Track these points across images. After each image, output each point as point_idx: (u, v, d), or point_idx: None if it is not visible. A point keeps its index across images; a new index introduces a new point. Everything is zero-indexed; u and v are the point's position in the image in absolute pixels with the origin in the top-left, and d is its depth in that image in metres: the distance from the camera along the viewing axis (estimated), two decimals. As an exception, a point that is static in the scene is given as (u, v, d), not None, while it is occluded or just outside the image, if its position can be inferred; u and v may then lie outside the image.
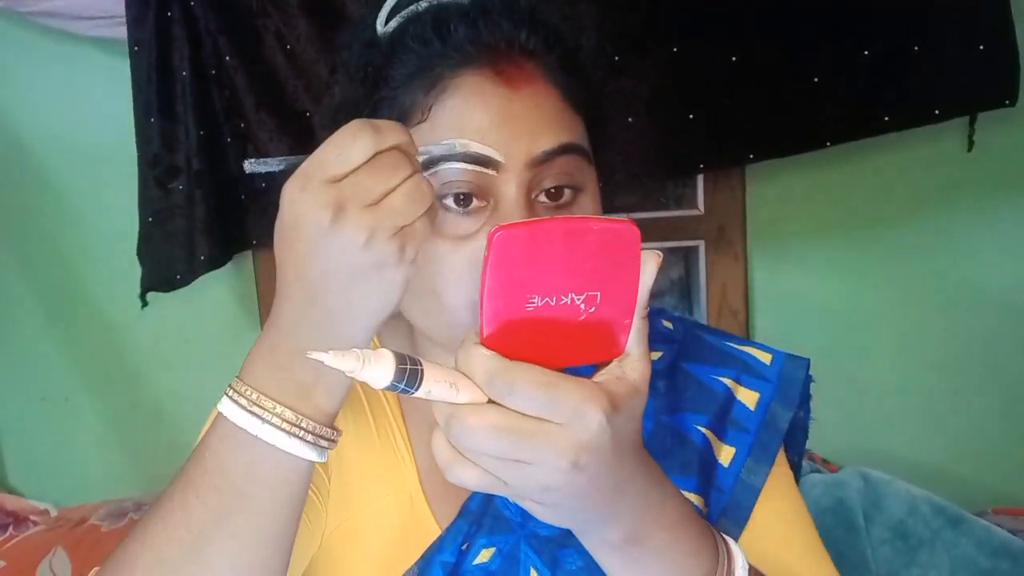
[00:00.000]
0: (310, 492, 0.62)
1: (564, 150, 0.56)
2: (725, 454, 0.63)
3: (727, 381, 0.66)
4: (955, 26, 1.33)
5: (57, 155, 1.68)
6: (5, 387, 1.80)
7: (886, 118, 1.36)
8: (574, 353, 0.42)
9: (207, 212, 1.45)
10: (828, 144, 1.39)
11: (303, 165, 0.45)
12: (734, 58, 1.36)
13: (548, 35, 0.58)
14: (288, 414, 0.47)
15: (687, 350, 0.67)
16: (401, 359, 0.39)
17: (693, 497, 0.61)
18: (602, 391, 0.40)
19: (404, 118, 0.57)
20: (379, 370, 0.39)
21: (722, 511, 0.61)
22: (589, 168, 0.58)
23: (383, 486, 0.64)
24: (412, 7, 0.58)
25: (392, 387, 0.39)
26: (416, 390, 0.39)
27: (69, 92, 1.65)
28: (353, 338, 0.47)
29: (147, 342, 1.70)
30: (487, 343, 0.40)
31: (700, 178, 1.59)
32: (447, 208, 0.55)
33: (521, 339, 0.40)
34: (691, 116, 1.38)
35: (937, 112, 1.35)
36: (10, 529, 1.60)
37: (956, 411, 1.60)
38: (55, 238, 1.72)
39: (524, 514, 0.62)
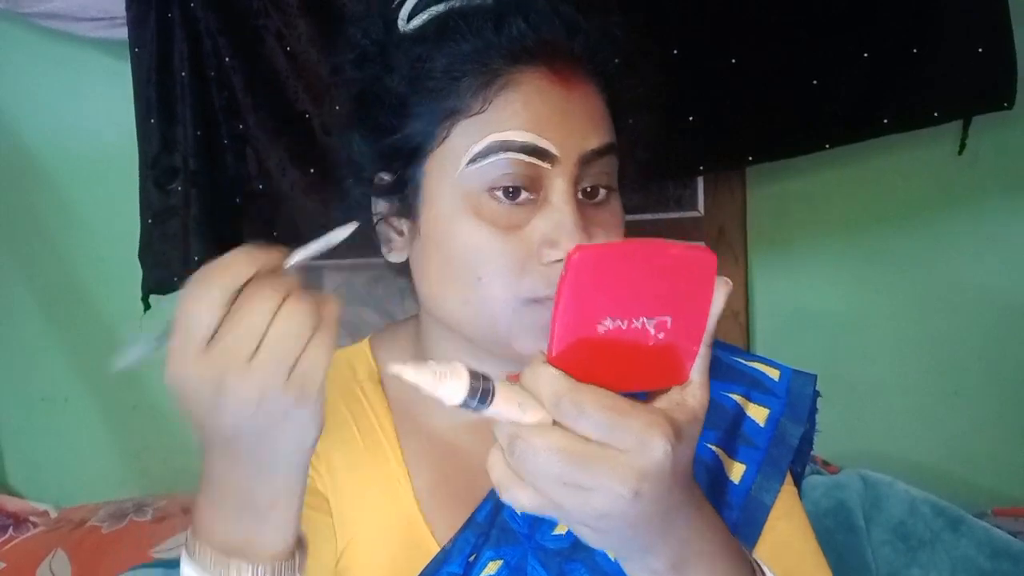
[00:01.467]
0: (318, 515, 0.62)
1: (608, 150, 0.58)
2: (736, 471, 0.63)
3: (736, 397, 0.65)
4: (954, 29, 1.33)
5: (58, 156, 1.69)
6: (5, 387, 1.80)
7: (885, 120, 1.36)
8: (640, 378, 0.41)
9: (202, 213, 1.46)
10: (827, 146, 1.39)
11: (173, 339, 0.44)
12: (734, 60, 1.36)
13: (591, 39, 0.60)
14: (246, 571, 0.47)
15: None
16: (475, 376, 0.39)
17: None
18: (668, 420, 0.39)
19: (458, 109, 0.57)
20: (453, 387, 0.38)
21: (732, 528, 0.61)
22: (616, 170, 0.61)
23: (378, 508, 0.63)
24: (440, 4, 0.59)
25: (464, 404, 0.39)
26: (487, 407, 0.39)
27: (70, 93, 1.65)
28: (288, 475, 0.47)
29: (147, 343, 1.70)
30: (555, 362, 0.39)
31: (700, 180, 1.59)
32: (496, 199, 0.56)
33: (589, 361, 0.39)
34: (691, 118, 1.38)
35: (936, 114, 1.35)
36: (10, 530, 1.60)
37: (956, 413, 1.60)
38: (55, 238, 1.72)
39: (531, 526, 0.62)
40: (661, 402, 0.41)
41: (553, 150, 0.56)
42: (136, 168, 1.47)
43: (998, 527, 1.31)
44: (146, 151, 1.45)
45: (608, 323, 0.39)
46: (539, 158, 0.56)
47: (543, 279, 0.55)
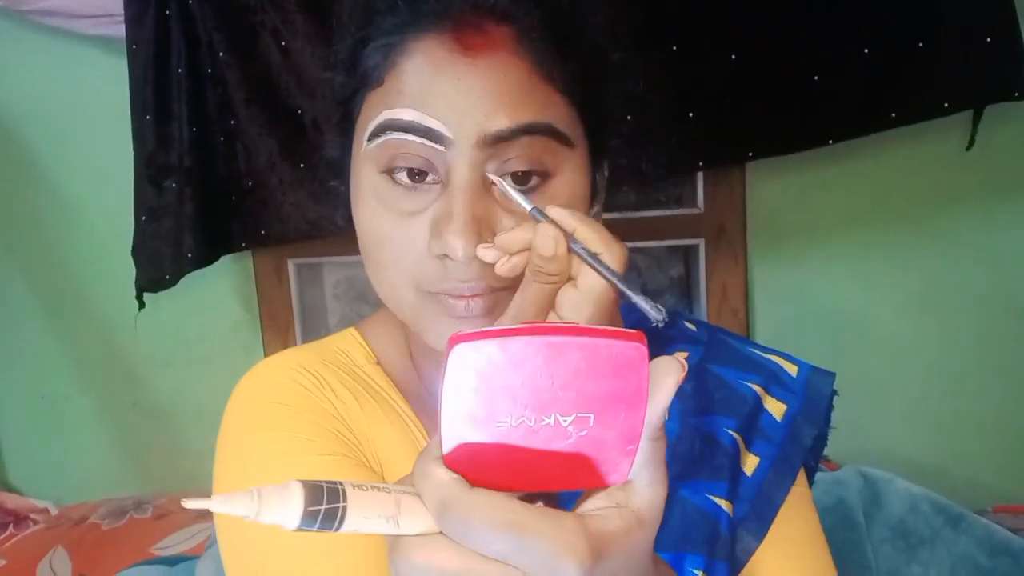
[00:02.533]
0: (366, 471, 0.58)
1: (526, 131, 0.50)
2: (749, 463, 0.61)
3: (755, 387, 0.63)
4: (961, 20, 1.32)
5: (56, 154, 1.68)
6: (5, 387, 1.80)
7: (893, 114, 1.35)
8: (560, 479, 0.35)
9: (195, 210, 1.45)
10: (830, 142, 1.38)
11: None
12: (734, 56, 1.36)
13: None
14: None
15: (713, 352, 0.65)
16: (315, 493, 0.32)
17: (723, 503, 0.59)
18: (585, 536, 0.33)
19: (364, 81, 0.54)
20: (284, 511, 0.32)
21: (741, 522, 0.59)
22: (567, 151, 0.53)
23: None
24: None
25: (304, 528, 0.32)
26: (339, 528, 0.33)
27: (68, 90, 1.65)
28: None
29: (147, 340, 1.70)
30: (448, 462, 0.34)
31: (700, 176, 1.58)
32: (395, 181, 0.52)
33: (490, 460, 0.34)
34: (691, 114, 1.38)
35: (946, 105, 1.34)
36: (10, 528, 1.60)
37: (956, 410, 1.59)
38: (55, 237, 1.72)
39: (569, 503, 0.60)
40: (593, 502, 0.36)
41: (443, 130, 0.49)
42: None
43: (999, 524, 1.31)
44: (141, 149, 1.45)
45: (509, 420, 0.33)
46: (428, 139, 0.50)
47: (437, 271, 0.51)
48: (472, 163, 0.50)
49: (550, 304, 0.49)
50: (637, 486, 0.36)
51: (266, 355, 1.67)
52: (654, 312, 0.47)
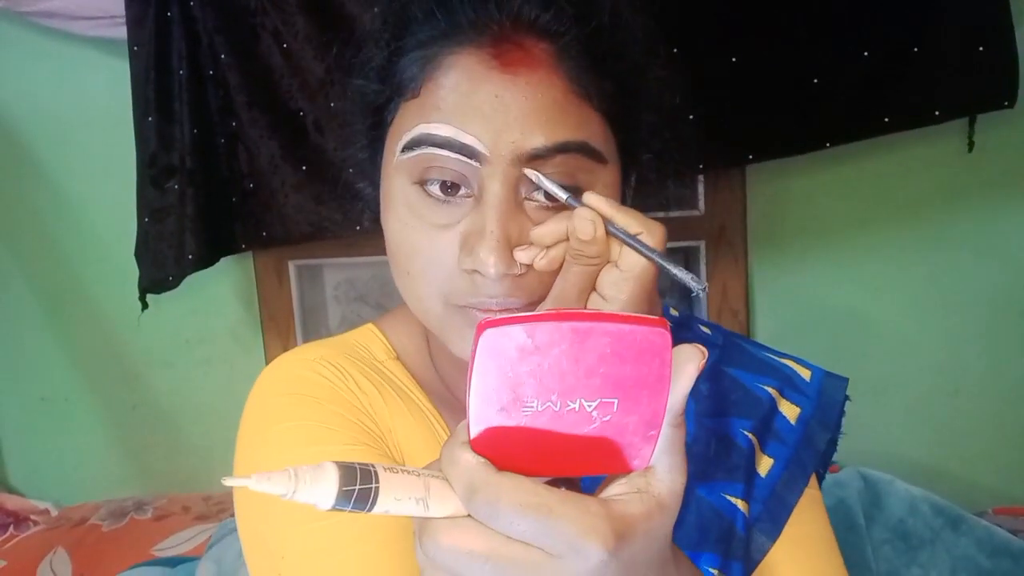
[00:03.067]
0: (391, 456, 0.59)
1: (561, 149, 0.50)
2: (764, 464, 0.61)
3: (771, 390, 0.64)
4: (955, 28, 1.33)
5: (57, 154, 1.69)
6: (5, 387, 1.80)
7: (887, 119, 1.36)
8: (584, 464, 0.36)
9: (197, 211, 1.45)
10: (828, 145, 1.38)
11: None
12: (734, 59, 1.36)
13: (565, 13, 0.52)
14: None
15: (729, 356, 0.65)
16: (349, 474, 0.33)
17: (739, 502, 0.59)
18: (608, 519, 0.34)
19: (399, 91, 0.54)
20: (320, 491, 0.33)
21: (754, 522, 0.59)
22: (601, 168, 0.53)
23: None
24: None
25: (338, 508, 0.33)
26: (371, 509, 0.33)
27: (69, 92, 1.65)
28: None
29: (147, 342, 1.70)
30: (475, 446, 0.34)
31: (700, 179, 1.58)
32: (427, 193, 0.52)
33: (516, 445, 0.34)
34: (691, 116, 1.38)
35: (938, 113, 1.35)
36: (10, 529, 1.60)
37: (956, 411, 1.59)
38: (55, 238, 1.72)
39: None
40: (618, 487, 0.36)
41: (479, 147, 0.49)
42: (135, 167, 1.47)
43: (998, 526, 1.31)
44: (143, 149, 1.45)
45: (536, 405, 0.34)
46: (464, 155, 0.50)
47: (467, 286, 0.51)
48: (507, 180, 0.50)
49: (591, 286, 0.51)
50: (658, 472, 0.36)
51: (267, 357, 1.70)
52: (695, 283, 0.49)
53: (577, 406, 0.34)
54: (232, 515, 1.49)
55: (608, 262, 0.50)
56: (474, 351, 0.33)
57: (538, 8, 0.51)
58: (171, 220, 1.46)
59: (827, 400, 0.64)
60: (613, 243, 0.50)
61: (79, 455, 1.79)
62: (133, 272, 1.49)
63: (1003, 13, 1.31)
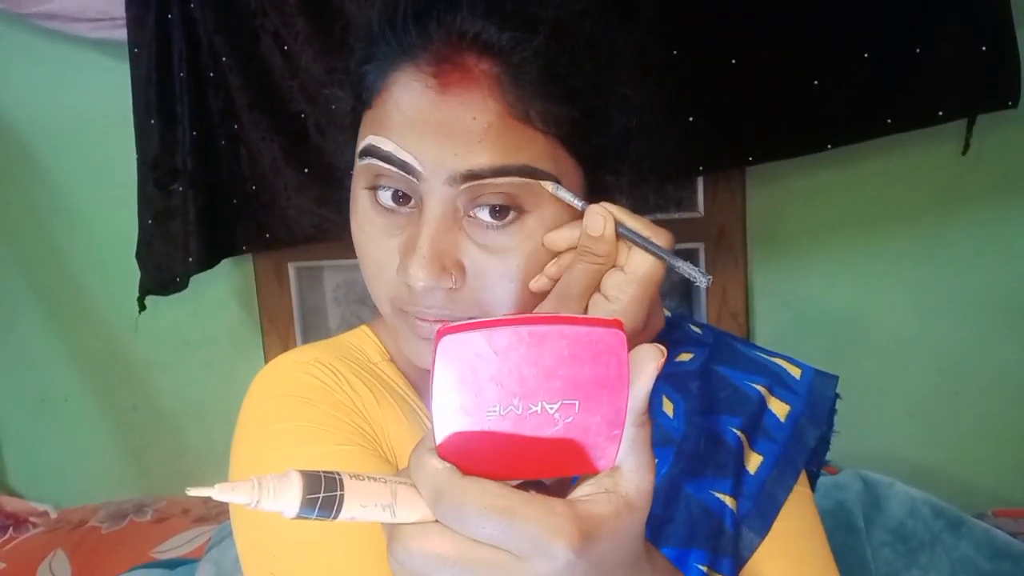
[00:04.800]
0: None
1: (498, 172, 0.50)
2: (752, 461, 0.61)
3: (760, 388, 0.64)
4: (956, 28, 1.33)
5: (58, 156, 1.69)
6: (5, 387, 1.80)
7: (888, 120, 1.36)
8: (549, 466, 0.36)
9: (199, 213, 1.46)
10: (829, 147, 1.38)
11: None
12: (734, 60, 1.36)
13: (510, 29, 0.51)
14: None
15: (719, 354, 0.66)
16: (313, 481, 0.34)
17: (727, 499, 0.60)
18: (574, 519, 0.34)
19: (360, 100, 0.57)
20: (284, 499, 0.33)
21: (743, 519, 0.60)
22: (543, 188, 0.52)
23: None
24: None
25: (303, 516, 0.34)
26: (336, 516, 0.34)
27: (69, 94, 1.65)
28: None
29: (147, 343, 1.70)
30: (441, 452, 0.35)
31: (700, 180, 1.58)
32: (380, 201, 0.54)
33: (481, 449, 0.35)
34: (691, 119, 1.38)
35: (940, 114, 1.35)
36: (10, 531, 1.60)
37: (956, 413, 1.59)
38: (55, 239, 1.72)
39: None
40: (585, 488, 0.36)
41: (415, 164, 0.51)
42: (135, 169, 1.47)
43: (998, 528, 1.31)
44: (145, 152, 1.45)
45: (498, 409, 0.34)
46: (402, 170, 0.51)
47: (406, 294, 0.54)
48: (442, 198, 0.51)
49: (593, 287, 0.53)
50: (625, 471, 0.36)
51: (266, 358, 1.69)
52: (701, 277, 0.53)
53: (539, 409, 0.35)
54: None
55: (614, 266, 0.53)
56: (434, 357, 0.34)
57: (479, 25, 0.51)
58: (176, 222, 1.46)
59: (817, 398, 0.65)
60: (620, 247, 0.53)
61: (79, 456, 1.79)
62: (133, 273, 1.49)
63: (1004, 13, 1.31)
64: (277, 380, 0.63)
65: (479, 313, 0.54)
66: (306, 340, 1.73)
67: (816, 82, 1.35)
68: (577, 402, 0.35)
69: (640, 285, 0.52)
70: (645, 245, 0.53)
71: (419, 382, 0.65)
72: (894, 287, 1.58)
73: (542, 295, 0.55)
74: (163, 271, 1.48)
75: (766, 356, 0.67)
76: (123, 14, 1.43)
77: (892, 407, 1.60)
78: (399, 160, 0.51)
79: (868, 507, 1.33)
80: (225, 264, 1.56)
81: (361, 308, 1.82)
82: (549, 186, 0.52)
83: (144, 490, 1.72)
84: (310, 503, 0.33)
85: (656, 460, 0.38)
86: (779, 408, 0.64)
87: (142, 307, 1.50)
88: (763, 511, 0.60)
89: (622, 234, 0.53)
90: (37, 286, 1.75)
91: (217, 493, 0.33)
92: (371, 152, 0.53)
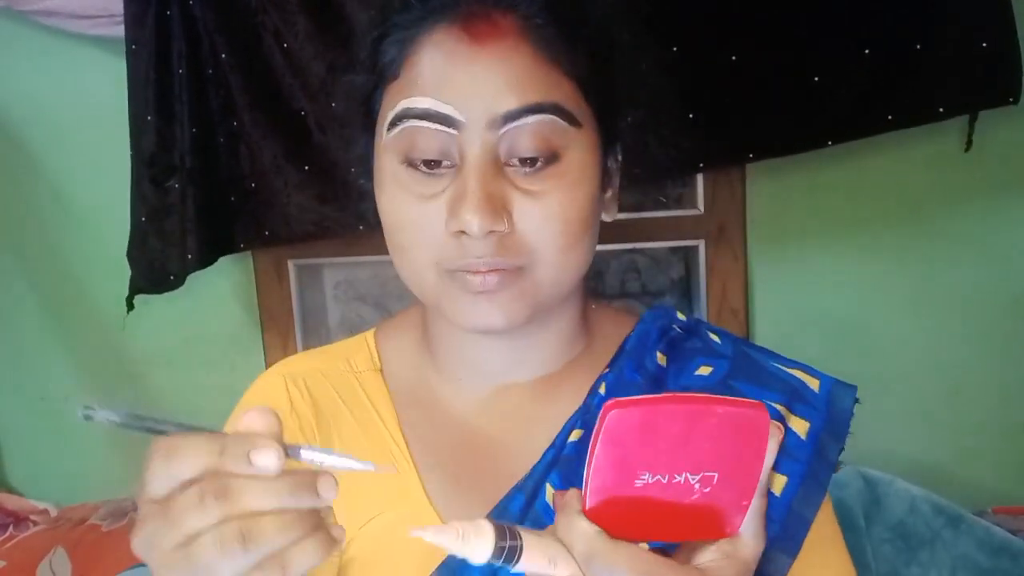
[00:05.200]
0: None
1: (533, 110, 0.53)
2: (777, 483, 0.60)
3: (779, 407, 0.63)
4: (957, 24, 1.32)
5: (56, 154, 1.68)
6: (5, 387, 1.80)
7: (889, 116, 1.35)
8: (683, 530, 0.40)
9: (197, 210, 1.45)
10: (830, 143, 1.38)
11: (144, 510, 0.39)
12: (734, 57, 1.36)
13: None
14: None
15: (737, 368, 0.65)
16: (501, 534, 0.38)
17: None
18: None
19: (382, 76, 0.57)
20: (478, 546, 0.38)
21: (772, 541, 0.58)
22: (575, 132, 0.56)
23: (383, 502, 0.61)
24: None
25: (491, 562, 0.38)
26: (514, 565, 0.39)
27: (68, 91, 1.65)
28: None
29: (147, 342, 1.70)
30: (590, 515, 0.39)
31: (700, 177, 1.58)
32: (414, 167, 0.55)
33: (626, 513, 0.39)
34: (691, 115, 1.38)
35: (941, 110, 1.35)
36: (10, 529, 1.60)
37: (956, 411, 1.59)
38: (55, 238, 1.72)
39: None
40: (707, 555, 0.40)
41: (456, 115, 0.53)
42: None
43: (998, 525, 1.31)
44: (142, 149, 1.45)
45: (647, 477, 0.38)
46: (443, 124, 0.53)
47: (455, 249, 0.55)
48: (484, 144, 0.53)
49: None
50: (744, 538, 0.41)
51: (266, 356, 1.70)
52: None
53: (683, 479, 0.38)
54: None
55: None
56: (599, 429, 0.37)
57: None
58: (173, 220, 1.46)
59: (836, 411, 0.64)
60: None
61: (79, 455, 1.79)
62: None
63: (1005, 9, 1.31)
64: (252, 391, 0.67)
65: (527, 261, 0.55)
66: (306, 338, 1.73)
67: (817, 78, 1.35)
68: (716, 474, 0.39)
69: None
70: None
71: (403, 399, 0.65)
72: (895, 284, 1.58)
73: (589, 230, 0.57)
74: (156, 269, 1.47)
75: (783, 368, 0.66)
76: (122, 11, 1.43)
77: (892, 405, 1.60)
78: (439, 114, 0.53)
79: (868, 504, 1.33)
80: (224, 262, 1.56)
81: (361, 306, 1.82)
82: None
83: (144, 488, 1.72)
84: (499, 551, 0.38)
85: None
86: (799, 426, 0.62)
87: (130, 307, 1.50)
88: (792, 532, 0.59)
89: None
90: (37, 284, 1.75)
91: (430, 536, 0.37)
92: (406, 115, 0.54)
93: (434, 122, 0.53)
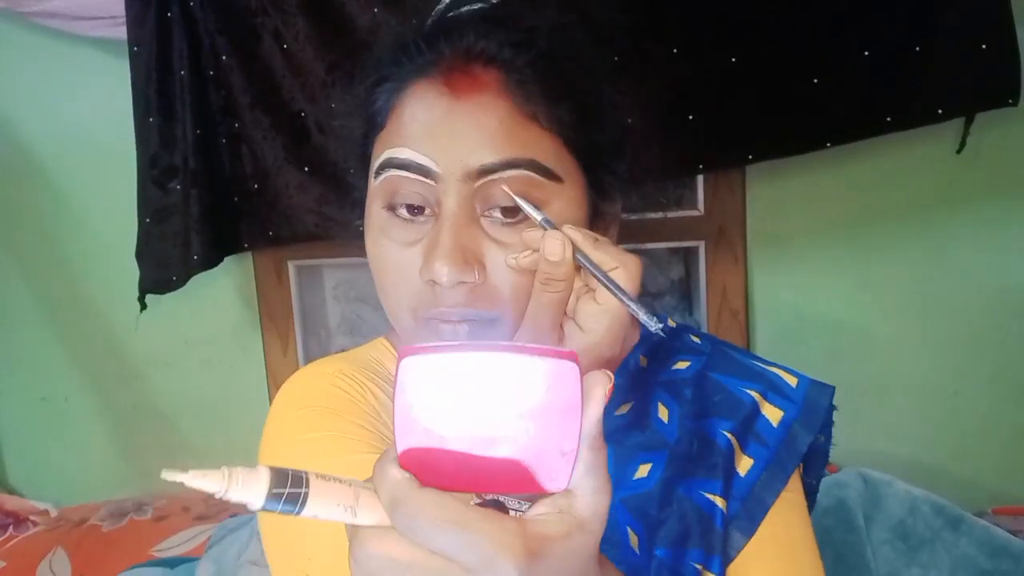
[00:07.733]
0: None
1: (508, 165, 0.54)
2: (743, 464, 0.63)
3: (754, 393, 0.65)
4: (956, 26, 1.32)
5: (57, 155, 1.69)
6: (5, 387, 1.80)
7: (888, 118, 1.36)
8: (502, 483, 0.37)
9: (201, 211, 1.46)
10: (828, 145, 1.38)
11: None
12: (734, 58, 1.36)
13: (507, 42, 0.57)
14: None
15: (715, 362, 0.67)
16: (280, 477, 0.36)
17: (717, 499, 0.61)
18: (522, 537, 0.36)
19: (372, 125, 0.60)
20: (251, 491, 0.35)
21: (732, 519, 0.61)
22: (555, 186, 0.56)
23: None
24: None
25: (268, 508, 0.36)
26: (300, 512, 0.36)
27: (69, 92, 1.65)
28: None
29: (147, 342, 1.70)
30: (402, 463, 0.37)
31: (700, 179, 1.58)
32: (397, 215, 0.57)
33: (438, 463, 0.37)
34: (691, 117, 1.38)
35: (940, 112, 1.35)
36: (10, 529, 1.60)
37: (956, 411, 1.59)
38: (55, 238, 1.72)
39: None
40: (539, 509, 0.38)
41: (433, 166, 0.54)
42: (136, 167, 1.47)
43: (998, 526, 1.31)
44: (145, 150, 1.45)
45: (455, 426, 0.36)
46: (421, 175, 0.55)
47: (429, 297, 0.56)
48: (459, 195, 0.55)
49: (561, 313, 0.55)
50: (579, 493, 0.38)
51: (266, 356, 1.70)
52: (653, 323, 0.52)
53: (489, 428, 0.36)
54: (232, 515, 1.49)
55: (587, 291, 0.54)
56: (396, 375, 0.36)
57: (483, 40, 0.57)
58: (175, 220, 1.46)
59: (812, 405, 0.65)
60: (590, 276, 0.54)
61: (79, 455, 1.79)
62: (134, 272, 1.49)
63: (1004, 11, 1.31)
64: (302, 392, 0.65)
65: (500, 310, 0.56)
66: (306, 338, 1.73)
67: (816, 80, 1.35)
68: (532, 425, 0.36)
69: (615, 317, 0.53)
70: (603, 280, 0.52)
71: None
72: (894, 285, 1.58)
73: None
74: (162, 269, 1.48)
75: (763, 365, 0.68)
76: (123, 13, 1.43)
77: (892, 405, 1.60)
78: (417, 165, 0.55)
79: (868, 505, 1.33)
80: (225, 262, 1.56)
81: (361, 306, 1.82)
82: (511, 194, 0.54)
83: (144, 489, 1.72)
84: (275, 497, 0.35)
85: (611, 482, 0.39)
86: (772, 414, 0.65)
87: (143, 306, 1.50)
88: (751, 512, 0.61)
89: (582, 265, 0.53)
90: (37, 285, 1.75)
91: (189, 479, 0.34)
92: (389, 164, 0.56)
93: (414, 172, 0.55)
